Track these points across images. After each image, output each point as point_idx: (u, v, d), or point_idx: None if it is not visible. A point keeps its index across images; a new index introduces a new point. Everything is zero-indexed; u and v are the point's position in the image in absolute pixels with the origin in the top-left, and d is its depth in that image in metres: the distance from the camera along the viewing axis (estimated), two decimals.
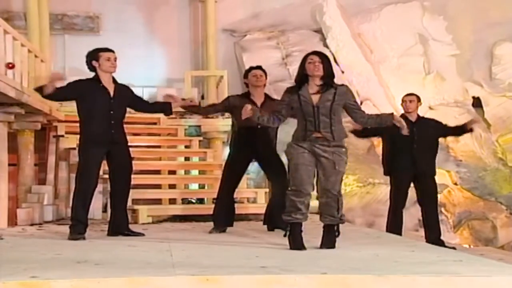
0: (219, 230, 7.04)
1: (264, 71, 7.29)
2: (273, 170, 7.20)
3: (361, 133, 7.82)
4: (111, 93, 6.55)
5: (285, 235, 5.59)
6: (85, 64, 6.65)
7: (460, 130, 7.89)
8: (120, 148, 6.62)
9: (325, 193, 5.53)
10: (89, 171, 6.48)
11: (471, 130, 7.84)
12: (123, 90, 6.70)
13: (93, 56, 6.59)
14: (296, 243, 5.48)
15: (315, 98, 5.56)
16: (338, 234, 5.64)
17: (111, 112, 6.52)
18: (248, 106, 5.76)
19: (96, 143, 6.47)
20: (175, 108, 6.95)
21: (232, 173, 7.17)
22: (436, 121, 7.95)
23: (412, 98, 7.75)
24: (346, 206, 9.31)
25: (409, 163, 7.56)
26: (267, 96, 7.32)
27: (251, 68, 7.34)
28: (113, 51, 6.63)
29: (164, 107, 6.93)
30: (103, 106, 6.49)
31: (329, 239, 5.57)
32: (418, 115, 7.77)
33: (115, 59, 6.59)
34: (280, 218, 7.22)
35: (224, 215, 7.16)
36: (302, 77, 5.64)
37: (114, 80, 6.65)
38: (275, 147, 7.23)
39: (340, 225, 5.69)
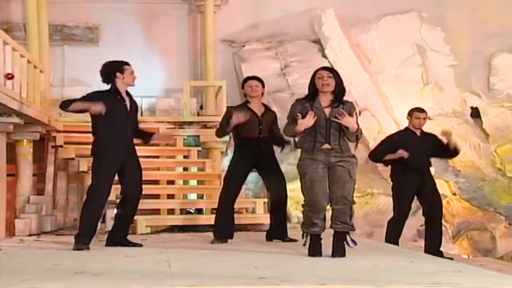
0: (221, 241, 7.02)
1: (260, 81, 7.27)
2: (272, 180, 7.19)
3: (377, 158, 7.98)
4: (128, 106, 6.59)
5: (304, 244, 5.80)
6: (101, 74, 6.58)
7: (449, 152, 7.92)
8: (133, 160, 6.64)
9: (341, 200, 5.66)
10: (105, 182, 6.47)
11: (456, 151, 7.88)
12: (134, 104, 6.75)
13: (117, 68, 6.56)
14: (314, 251, 5.71)
15: (327, 111, 5.71)
16: (355, 243, 5.76)
17: (128, 124, 6.55)
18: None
19: (113, 155, 6.46)
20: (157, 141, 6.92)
21: (233, 184, 7.15)
22: (436, 137, 7.96)
23: (425, 116, 7.82)
24: None
25: (418, 177, 7.60)
26: (266, 107, 7.32)
27: (247, 79, 7.34)
28: None
29: (144, 136, 6.91)
30: (121, 119, 6.50)
31: (340, 247, 5.70)
32: (421, 129, 7.81)
33: None
34: (279, 229, 7.23)
35: (226, 226, 7.14)
36: (313, 91, 5.77)
37: (128, 93, 6.68)
38: (275, 157, 7.23)
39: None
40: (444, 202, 10.91)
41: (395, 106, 11.53)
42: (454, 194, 11.36)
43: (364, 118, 11.14)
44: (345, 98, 5.86)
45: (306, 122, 5.62)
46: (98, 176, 6.48)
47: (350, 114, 5.68)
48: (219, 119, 10.76)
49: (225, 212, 7.14)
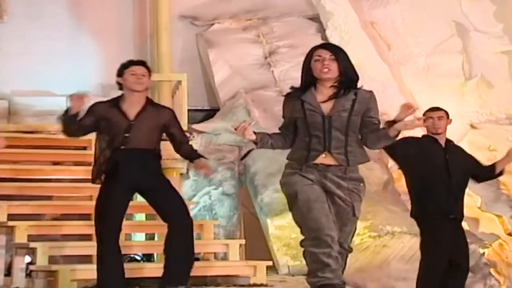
0: None
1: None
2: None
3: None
4: None
5: None
6: None
7: (489, 173, 7.95)
8: None
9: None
10: None
11: (500, 174, 7.94)
12: None
13: None
14: None
15: (326, 106, 5.62)
16: None
17: None
18: None
19: None
20: None
21: None
22: (465, 152, 8.05)
23: (441, 114, 7.82)
24: (354, 265, 9.23)
25: (448, 203, 7.59)
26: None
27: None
28: None
29: None
30: None
31: None
32: (447, 138, 7.85)
33: None
34: None
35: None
36: (309, 80, 5.68)
37: None
38: None
39: None
40: (495, 245, 10.95)
41: (424, 109, 11.51)
42: (509, 234, 11.35)
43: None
44: (370, 95, 5.73)
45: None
46: None
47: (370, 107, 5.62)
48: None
49: None
